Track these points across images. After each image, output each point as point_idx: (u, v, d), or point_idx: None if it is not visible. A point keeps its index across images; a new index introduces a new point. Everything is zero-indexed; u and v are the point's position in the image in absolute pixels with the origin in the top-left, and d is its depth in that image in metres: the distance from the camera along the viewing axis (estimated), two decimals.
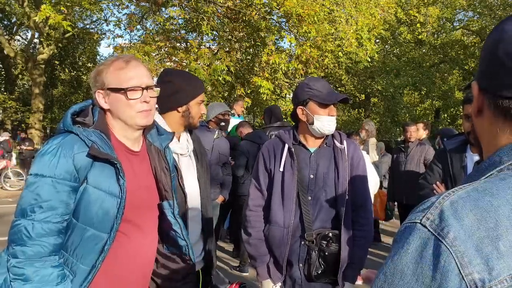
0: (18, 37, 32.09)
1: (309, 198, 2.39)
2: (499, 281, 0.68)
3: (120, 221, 1.67)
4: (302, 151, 2.45)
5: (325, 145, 2.46)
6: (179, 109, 2.33)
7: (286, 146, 2.44)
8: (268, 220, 2.46)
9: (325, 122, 2.36)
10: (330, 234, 2.36)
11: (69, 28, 10.27)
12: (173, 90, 2.30)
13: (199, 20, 12.26)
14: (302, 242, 2.38)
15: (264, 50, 12.16)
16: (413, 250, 0.73)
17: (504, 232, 0.71)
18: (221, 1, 11.71)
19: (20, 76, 33.27)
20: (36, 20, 10.45)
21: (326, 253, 2.34)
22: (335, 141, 2.45)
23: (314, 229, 2.37)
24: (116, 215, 1.65)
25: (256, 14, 11.89)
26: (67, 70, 32.46)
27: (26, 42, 29.65)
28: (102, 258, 1.64)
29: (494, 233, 0.71)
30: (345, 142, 2.45)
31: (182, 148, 2.37)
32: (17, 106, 28.23)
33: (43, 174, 1.57)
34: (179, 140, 2.40)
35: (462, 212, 0.72)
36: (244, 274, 5.55)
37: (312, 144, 2.46)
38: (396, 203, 6.50)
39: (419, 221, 0.75)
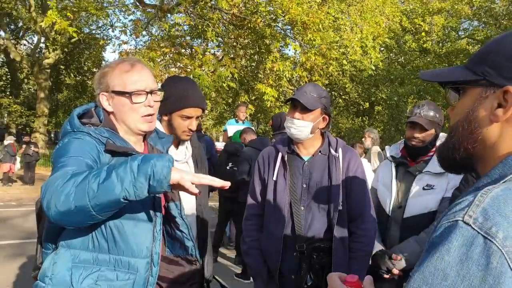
0: (24, 42, 32.33)
1: (302, 208, 2.32)
2: None
3: (160, 201, 1.69)
4: (296, 160, 2.38)
5: (319, 153, 2.36)
6: (164, 117, 2.31)
7: (280, 154, 2.38)
8: (262, 230, 2.42)
9: (287, 123, 2.31)
10: (322, 246, 2.27)
11: (74, 34, 10.32)
12: (164, 96, 2.30)
13: (204, 26, 12.32)
14: (294, 253, 2.31)
15: (269, 57, 12.19)
16: (456, 249, 0.69)
17: None
18: (227, 8, 11.76)
19: (25, 80, 33.46)
20: (42, 26, 10.51)
21: (317, 265, 2.26)
22: (331, 149, 2.37)
23: (306, 240, 2.29)
24: (153, 198, 1.66)
25: (261, 21, 11.93)
26: (72, 75, 32.62)
27: (32, 47, 29.85)
28: (158, 244, 1.66)
29: None
30: (340, 150, 2.35)
31: (178, 154, 2.35)
32: (22, 110, 28.37)
33: (69, 156, 1.52)
34: (177, 147, 2.39)
35: (506, 209, 0.69)
36: (246, 281, 5.52)
37: (306, 153, 2.38)
38: None
39: (461, 219, 0.71)
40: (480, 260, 0.67)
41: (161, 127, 2.30)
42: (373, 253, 2.44)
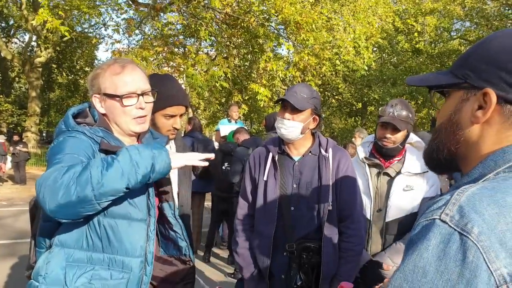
0: (15, 40, 32.07)
1: (292, 208, 2.32)
2: None
3: (154, 201, 1.71)
4: (286, 160, 2.38)
5: (310, 154, 2.37)
6: None
7: (270, 155, 2.39)
8: (253, 229, 2.43)
9: (278, 124, 2.31)
10: (312, 246, 2.27)
11: (66, 34, 10.23)
12: None
13: (197, 25, 12.29)
14: (284, 253, 2.32)
15: (262, 57, 12.20)
16: (434, 246, 0.72)
17: None
18: (220, 7, 11.73)
19: (17, 79, 33.22)
20: (34, 24, 10.44)
21: (307, 265, 2.27)
22: (321, 149, 2.37)
23: (295, 240, 2.30)
24: (148, 195, 1.67)
25: (254, 20, 11.93)
26: (64, 74, 32.43)
27: (23, 45, 29.64)
28: (152, 244, 1.67)
29: None
30: (330, 150, 2.36)
31: None
32: (13, 109, 28.17)
33: (64, 153, 1.53)
34: None
35: (481, 207, 0.72)
36: None
37: (297, 153, 2.39)
38: None
39: (438, 217, 0.74)
40: (457, 256, 0.70)
41: None
42: (360, 263, 2.41)
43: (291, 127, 2.28)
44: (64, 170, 1.41)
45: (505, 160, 0.83)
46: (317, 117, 2.35)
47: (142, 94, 1.71)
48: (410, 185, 2.47)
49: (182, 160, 1.56)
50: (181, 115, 2.29)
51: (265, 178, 2.37)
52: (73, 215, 1.45)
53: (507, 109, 0.84)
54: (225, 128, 7.14)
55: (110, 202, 1.47)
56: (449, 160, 0.95)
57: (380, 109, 2.62)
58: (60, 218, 1.45)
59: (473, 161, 0.88)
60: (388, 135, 2.46)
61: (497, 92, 0.84)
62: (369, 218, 2.52)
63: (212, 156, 1.69)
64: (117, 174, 1.40)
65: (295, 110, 2.26)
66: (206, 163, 1.60)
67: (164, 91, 2.19)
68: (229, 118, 7.57)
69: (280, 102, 2.35)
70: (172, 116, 2.23)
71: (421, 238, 0.74)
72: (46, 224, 1.63)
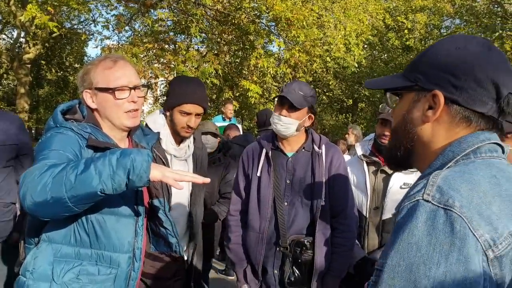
0: (3, 36, 31.67)
1: (285, 203, 2.34)
2: (504, 238, 0.79)
3: (143, 197, 1.72)
4: (280, 156, 2.40)
5: (303, 150, 2.39)
6: (167, 113, 2.38)
7: (264, 150, 2.40)
8: (246, 225, 2.44)
9: (274, 119, 2.32)
10: (305, 241, 2.30)
11: (55, 30, 10.13)
12: (167, 93, 2.40)
13: (188, 22, 12.23)
14: (277, 249, 2.34)
15: (253, 54, 12.17)
16: (423, 223, 0.79)
17: (492, 199, 0.82)
18: (211, 4, 11.69)
19: (5, 75, 32.83)
20: (22, 20, 10.32)
21: (300, 260, 2.29)
22: (314, 146, 2.39)
23: (289, 236, 2.32)
24: (136, 191, 1.68)
25: (245, 17, 11.89)
26: (53, 70, 32.06)
27: (11, 41, 29.28)
28: (140, 239, 1.69)
29: (486, 200, 0.81)
30: (323, 147, 2.38)
31: (178, 151, 2.38)
32: (1, 106, 27.87)
33: (51, 149, 1.52)
34: (179, 144, 2.41)
35: (456, 185, 0.82)
36: (230, 277, 5.53)
37: (290, 149, 2.41)
38: None
39: (421, 198, 0.82)
40: (446, 228, 0.78)
41: (165, 123, 2.37)
42: (355, 260, 2.43)
43: (288, 124, 2.30)
44: (44, 169, 1.40)
45: (461, 149, 0.93)
46: (312, 116, 2.38)
47: (134, 88, 1.73)
48: (408, 182, 2.46)
49: (159, 175, 1.46)
50: (197, 115, 2.36)
51: (258, 174, 2.39)
52: (51, 215, 1.45)
53: (454, 109, 0.94)
54: (219, 126, 7.13)
55: (87, 205, 1.45)
56: (405, 157, 1.04)
57: (380, 105, 2.62)
58: (39, 216, 1.45)
59: (427, 156, 0.98)
60: (387, 133, 2.46)
61: (445, 93, 0.94)
62: (365, 215, 2.53)
63: (207, 180, 1.61)
64: (90, 178, 1.36)
65: (292, 108, 2.28)
66: (182, 186, 1.53)
67: (183, 89, 2.33)
68: (223, 116, 7.55)
69: (276, 98, 2.36)
70: (188, 114, 2.33)
71: (410, 218, 0.82)
72: (34, 220, 1.63)
